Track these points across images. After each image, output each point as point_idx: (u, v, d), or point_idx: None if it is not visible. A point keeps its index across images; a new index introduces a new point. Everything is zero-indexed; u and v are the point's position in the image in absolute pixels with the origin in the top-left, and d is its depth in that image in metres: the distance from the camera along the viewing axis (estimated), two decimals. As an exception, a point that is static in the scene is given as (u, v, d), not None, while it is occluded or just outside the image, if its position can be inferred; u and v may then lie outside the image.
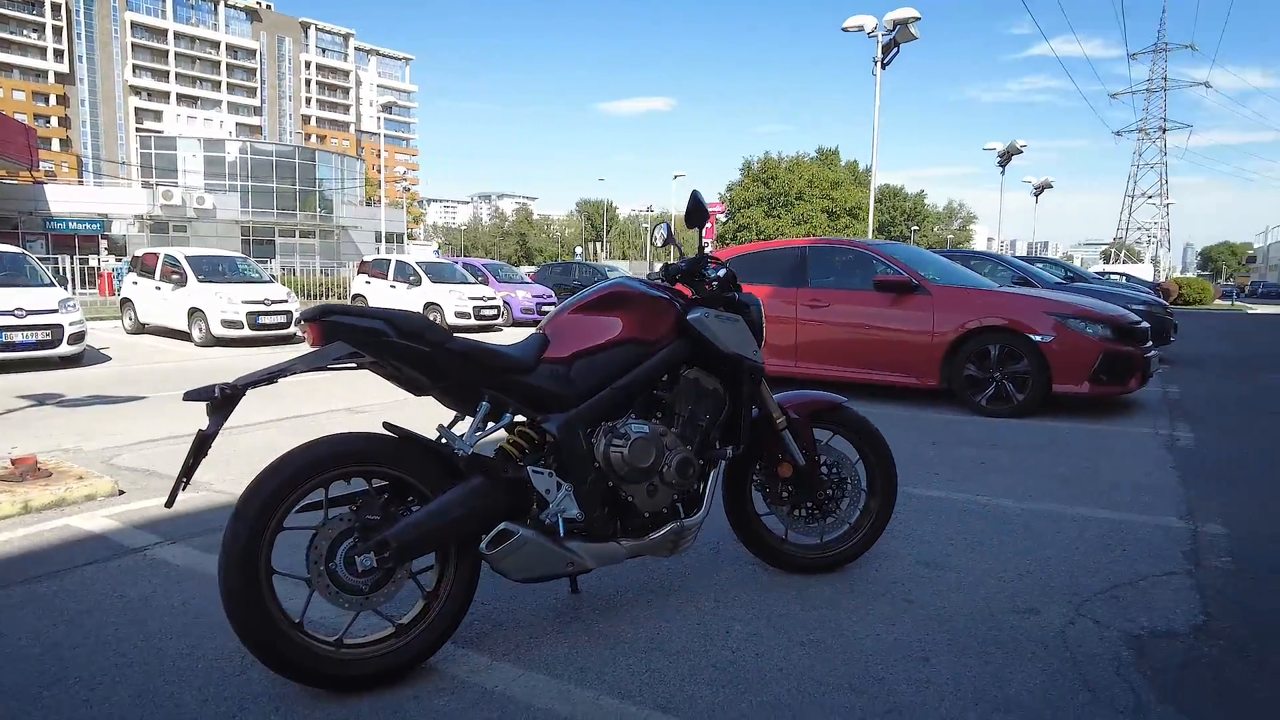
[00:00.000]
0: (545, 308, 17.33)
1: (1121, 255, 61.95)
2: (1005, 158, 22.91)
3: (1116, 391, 5.79)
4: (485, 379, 2.14)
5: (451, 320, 14.93)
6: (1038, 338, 5.68)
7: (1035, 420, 5.62)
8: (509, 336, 13.34)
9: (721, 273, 2.53)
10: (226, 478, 3.82)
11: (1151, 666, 2.07)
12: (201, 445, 1.82)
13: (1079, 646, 2.19)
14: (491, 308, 15.52)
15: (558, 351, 2.27)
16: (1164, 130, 62.41)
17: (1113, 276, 19.61)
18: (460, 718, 1.85)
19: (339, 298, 19.56)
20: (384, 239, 32.32)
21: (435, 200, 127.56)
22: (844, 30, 13.55)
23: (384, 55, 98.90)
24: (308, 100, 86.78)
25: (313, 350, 1.99)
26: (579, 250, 61.01)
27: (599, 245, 72.56)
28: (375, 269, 16.62)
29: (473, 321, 15.11)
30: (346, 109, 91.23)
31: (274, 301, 11.28)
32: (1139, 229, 67.37)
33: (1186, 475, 4.11)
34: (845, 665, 2.09)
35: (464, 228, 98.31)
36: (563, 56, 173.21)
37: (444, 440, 2.11)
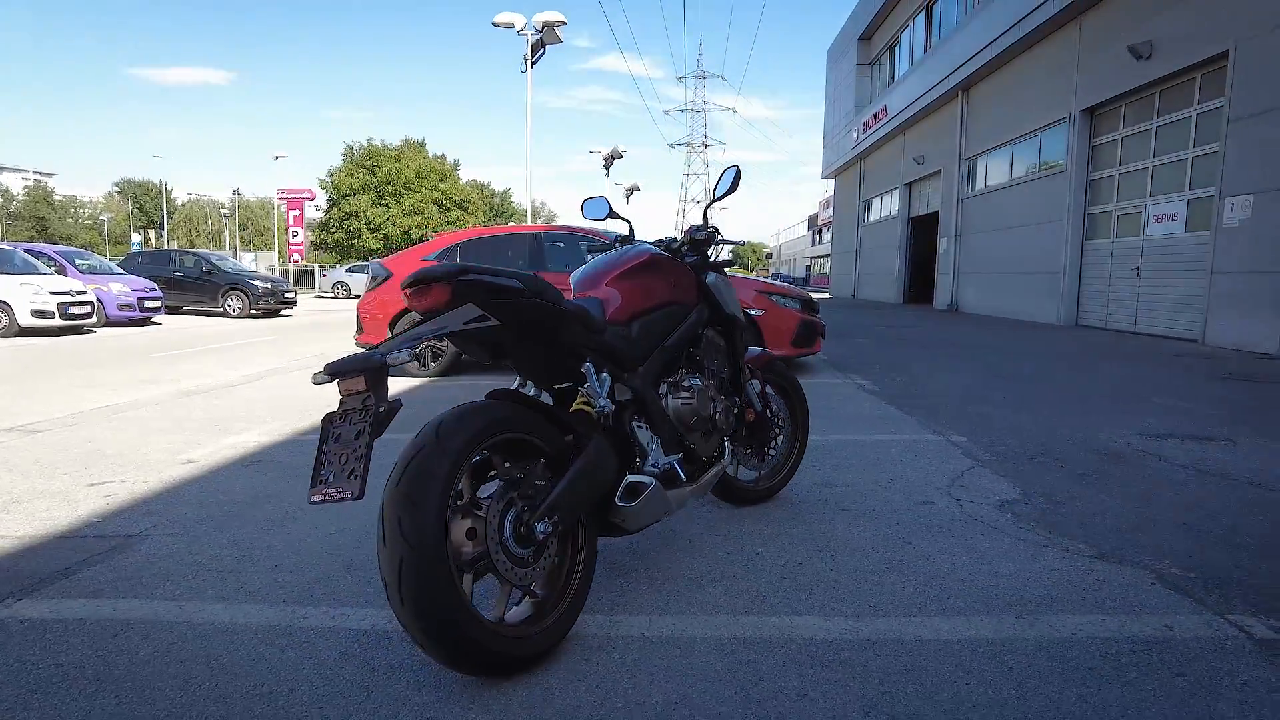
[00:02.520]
0: (149, 303, 14.82)
1: (680, 252, 71.87)
2: (609, 160, 25.42)
3: (807, 352, 7.18)
4: (587, 340, 2.18)
5: (29, 322, 12.12)
6: (753, 312, 6.79)
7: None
8: (104, 340, 11.27)
9: (721, 244, 2.85)
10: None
11: (1015, 515, 2.94)
12: (379, 423, 1.64)
13: (970, 512, 2.98)
14: (83, 304, 12.87)
15: (618, 315, 2.38)
16: (705, 145, 74.10)
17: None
18: (633, 668, 1.95)
19: None
20: None
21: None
22: (495, 25, 13.94)
23: None
24: None
25: (442, 315, 1.87)
26: (136, 239, 51.94)
27: (156, 233, 62.49)
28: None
29: (58, 322, 12.42)
30: None
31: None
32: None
33: (900, 407, 5.41)
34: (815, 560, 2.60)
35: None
36: (83, 8, 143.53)
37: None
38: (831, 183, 35.59)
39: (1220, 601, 2.22)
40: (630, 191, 31.64)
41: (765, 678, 1.80)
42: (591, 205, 3.14)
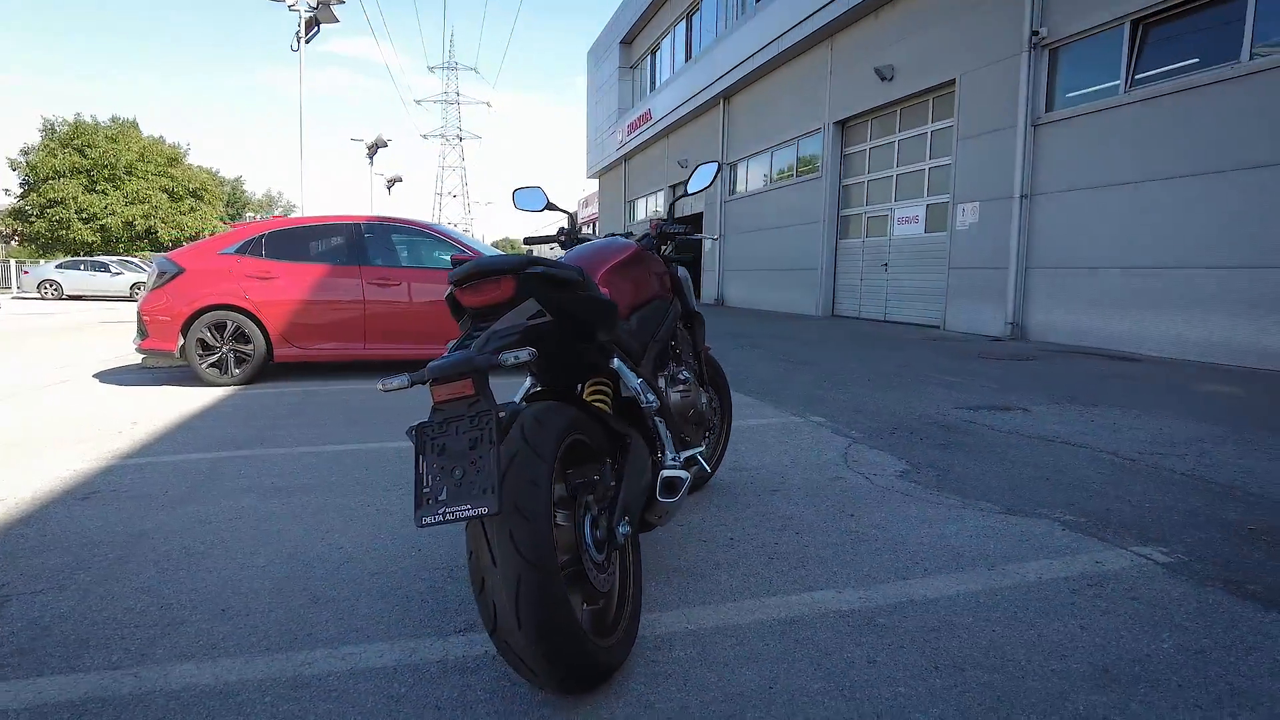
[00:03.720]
0: None
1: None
2: (373, 149, 24.09)
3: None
4: (618, 335, 2.15)
5: None
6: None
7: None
8: None
9: (693, 239, 2.91)
10: None
11: (919, 483, 3.32)
12: (503, 430, 1.54)
13: (881, 484, 3.32)
14: None
15: (620, 309, 2.36)
16: (460, 138, 72.54)
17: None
18: (705, 660, 1.98)
19: None
20: None
21: None
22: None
23: None
24: None
25: (510, 312, 1.77)
26: None
27: None
28: None
29: None
30: None
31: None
32: (450, 224, 77.28)
33: (744, 393, 5.78)
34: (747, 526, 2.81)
35: None
36: None
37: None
38: (596, 182, 36.49)
39: (1117, 538, 2.69)
40: (392, 183, 30.23)
41: (829, 651, 1.92)
42: (525, 195, 3.06)
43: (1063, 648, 1.92)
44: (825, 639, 1.98)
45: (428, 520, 1.42)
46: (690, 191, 2.86)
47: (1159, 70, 8.60)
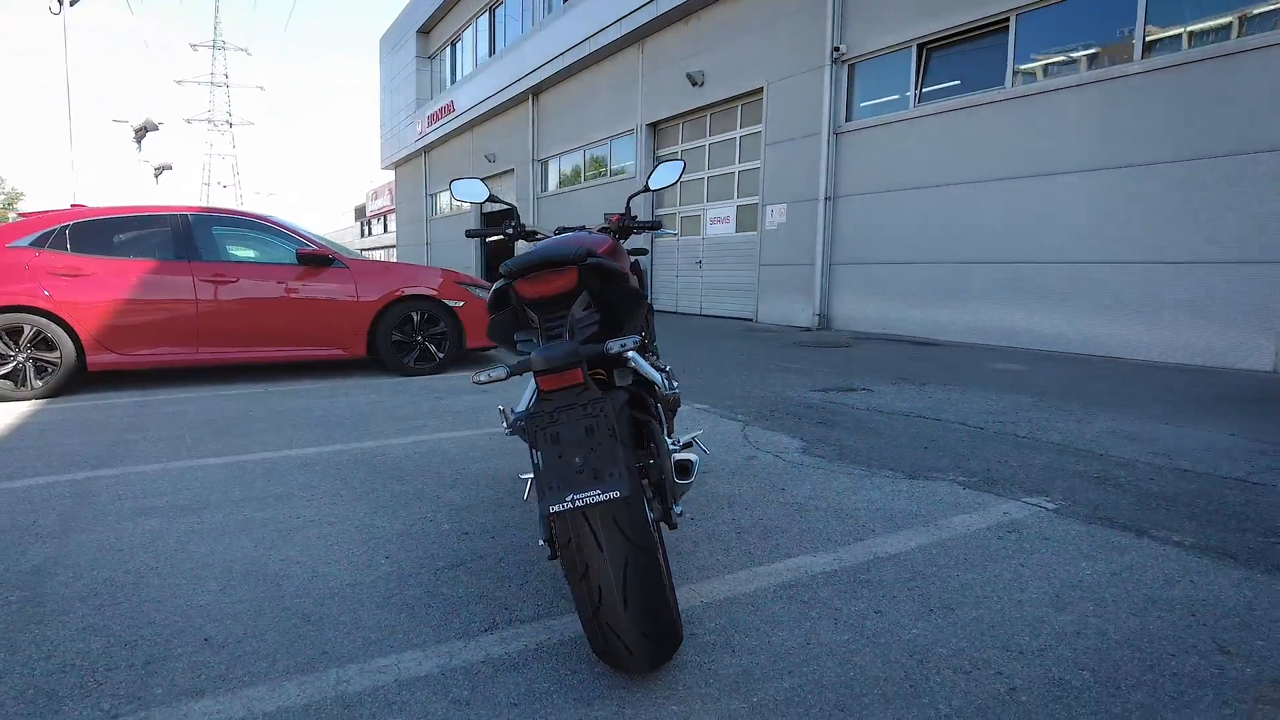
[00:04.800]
0: None
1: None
2: (140, 133, 21.49)
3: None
4: (638, 323, 2.20)
5: None
6: (453, 303, 6.70)
7: (457, 373, 6.70)
8: None
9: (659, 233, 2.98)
10: None
11: (823, 457, 3.67)
12: (620, 415, 1.58)
13: (791, 460, 3.62)
14: None
15: None
16: (230, 124, 66.35)
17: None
18: (749, 628, 2.12)
19: None
20: None
21: None
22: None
23: None
24: None
25: (574, 302, 1.81)
26: None
27: None
28: None
29: None
30: None
31: None
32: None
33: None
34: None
35: None
36: None
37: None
38: (392, 173, 35.00)
39: (1008, 491, 3.15)
40: (160, 170, 27.17)
41: (838, 608, 2.13)
42: (464, 188, 3.03)
43: (1017, 583, 2.27)
44: (828, 597, 2.19)
45: (556, 508, 1.45)
46: (652, 188, 2.95)
47: (941, 87, 9.80)
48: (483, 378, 1.62)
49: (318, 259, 6.30)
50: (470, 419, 4.67)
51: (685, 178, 14.87)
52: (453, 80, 26.20)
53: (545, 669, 1.81)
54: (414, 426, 4.50)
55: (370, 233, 61.02)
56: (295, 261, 6.28)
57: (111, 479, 3.48)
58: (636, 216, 3.00)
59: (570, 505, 1.46)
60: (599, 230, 2.88)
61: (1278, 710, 1.62)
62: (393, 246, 39.99)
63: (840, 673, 1.78)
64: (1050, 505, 2.98)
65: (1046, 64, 8.60)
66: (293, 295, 6.23)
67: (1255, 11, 6.82)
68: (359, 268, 6.50)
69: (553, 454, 1.50)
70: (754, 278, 12.99)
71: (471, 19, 24.32)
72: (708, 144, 14.35)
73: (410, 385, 6.11)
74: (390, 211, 38.37)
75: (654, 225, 3.00)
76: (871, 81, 10.82)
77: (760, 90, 12.59)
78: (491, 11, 22.97)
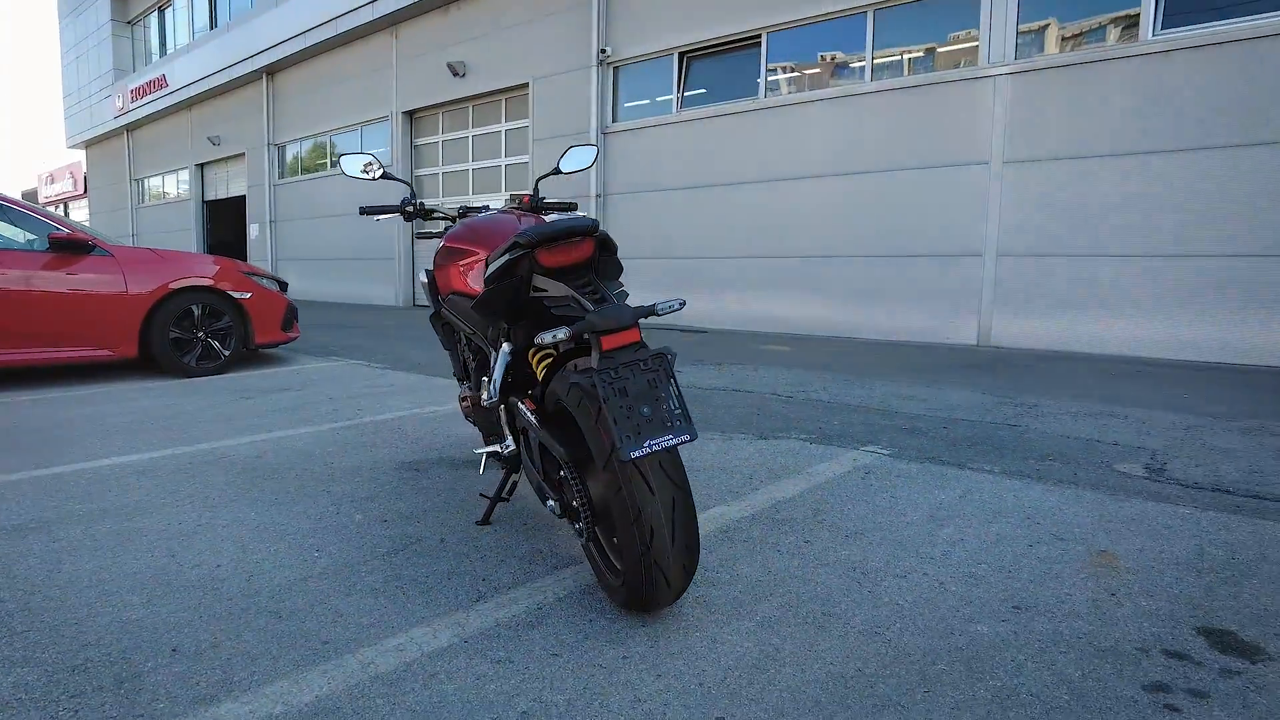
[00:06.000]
0: None
1: None
2: None
3: (292, 338, 6.75)
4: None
5: None
6: (239, 295, 6.13)
7: (246, 371, 6.14)
8: None
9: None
10: None
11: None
12: (672, 366, 1.73)
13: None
14: None
15: None
16: None
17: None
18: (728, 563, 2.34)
19: None
20: None
21: None
22: None
23: None
24: None
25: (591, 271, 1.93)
26: None
27: None
28: None
29: None
30: None
31: None
32: None
33: (437, 372, 5.84)
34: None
35: None
36: None
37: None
38: (82, 154, 30.21)
39: (846, 443, 3.68)
40: None
41: (776, 542, 2.45)
42: (354, 162, 2.93)
43: (896, 509, 2.74)
44: (761, 535, 2.50)
45: (635, 454, 1.59)
46: (563, 171, 3.05)
47: (702, 93, 10.65)
48: (548, 338, 1.70)
49: (75, 244, 5.46)
50: (300, 416, 4.39)
51: (447, 168, 14.65)
52: (164, 52, 23.27)
53: (562, 623, 1.91)
54: (242, 427, 4.15)
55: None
56: (46, 248, 5.40)
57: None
58: (545, 198, 3.09)
59: (649, 450, 1.60)
60: (508, 210, 2.94)
61: (1112, 561, 2.18)
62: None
63: (808, 589, 2.09)
64: (886, 451, 3.55)
65: (793, 77, 9.71)
66: (44, 288, 5.35)
67: (945, 50, 8.31)
68: (126, 255, 5.73)
69: (621, 406, 1.63)
70: (526, 271, 13.13)
71: (183, -17, 21.76)
72: (470, 135, 14.23)
73: (201, 386, 5.53)
74: (76, 197, 33.02)
75: (567, 206, 3.12)
76: (637, 84, 11.44)
77: (526, 86, 12.75)
78: (209, -23, 20.73)
